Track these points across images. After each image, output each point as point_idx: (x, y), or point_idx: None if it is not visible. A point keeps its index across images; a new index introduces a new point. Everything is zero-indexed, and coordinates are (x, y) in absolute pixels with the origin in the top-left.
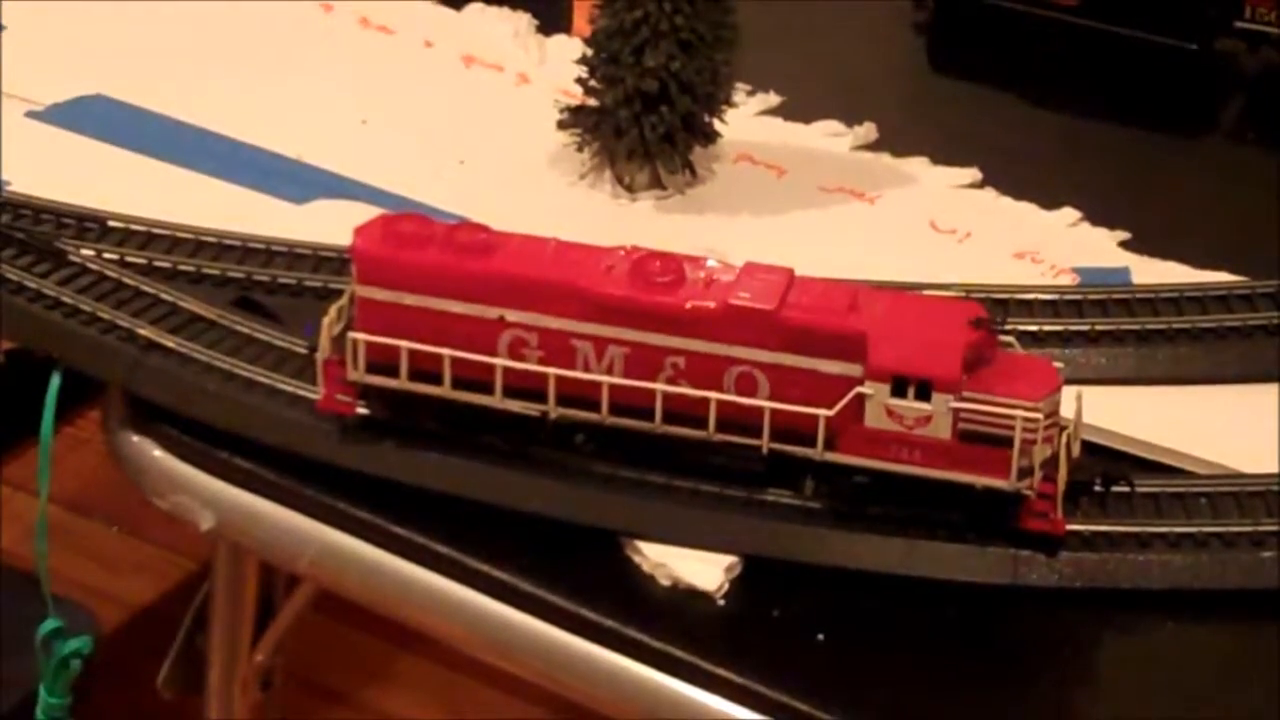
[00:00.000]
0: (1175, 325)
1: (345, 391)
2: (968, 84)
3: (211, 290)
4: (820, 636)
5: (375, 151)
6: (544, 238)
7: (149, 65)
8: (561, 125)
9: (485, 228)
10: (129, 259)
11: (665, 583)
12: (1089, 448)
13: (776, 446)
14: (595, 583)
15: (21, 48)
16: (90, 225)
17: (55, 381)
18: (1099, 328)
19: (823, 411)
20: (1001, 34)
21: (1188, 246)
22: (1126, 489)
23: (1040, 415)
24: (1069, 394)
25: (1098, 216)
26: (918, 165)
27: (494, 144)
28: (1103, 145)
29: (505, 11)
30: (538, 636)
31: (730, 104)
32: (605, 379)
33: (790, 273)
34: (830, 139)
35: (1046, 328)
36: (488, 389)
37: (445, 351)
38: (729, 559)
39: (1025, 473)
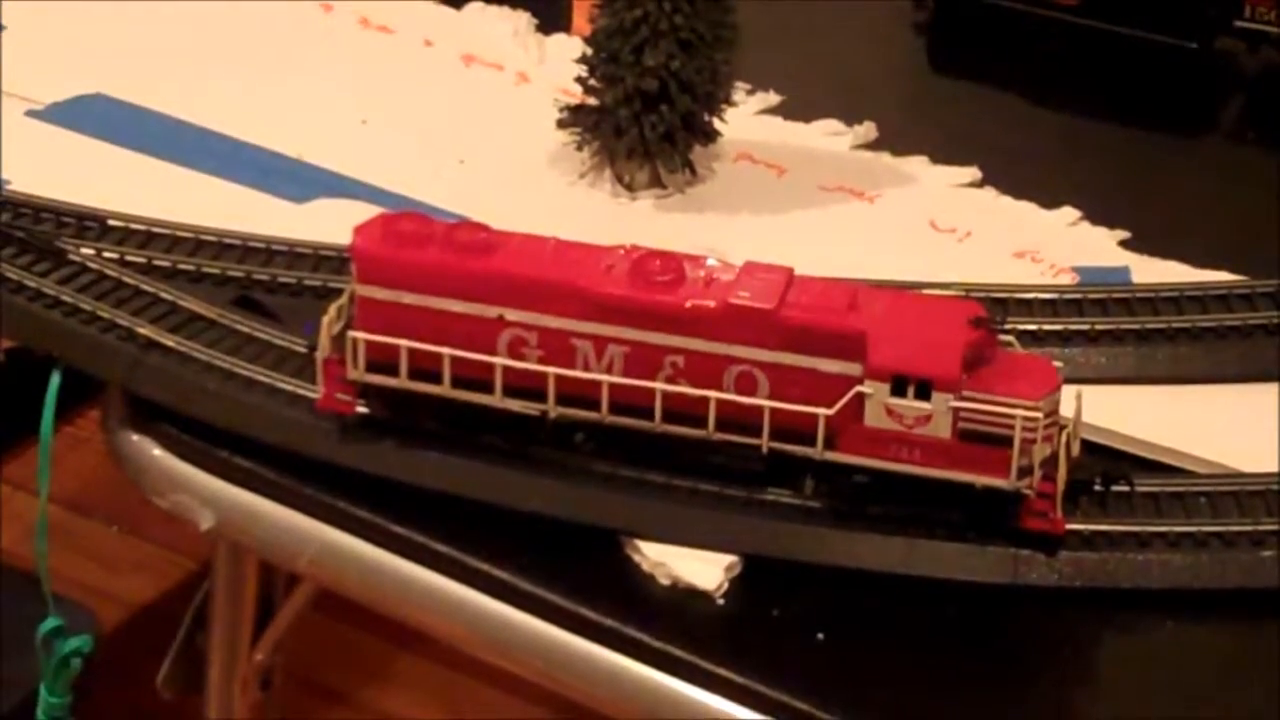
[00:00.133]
0: (1175, 325)
1: (345, 390)
2: (968, 84)
3: (211, 289)
4: (820, 636)
5: (375, 151)
6: (544, 237)
7: (149, 65)
8: (561, 124)
9: (485, 227)
10: (129, 258)
11: (665, 582)
12: (1089, 447)
13: (776, 446)
14: (595, 582)
15: (21, 47)
16: (90, 224)
17: (55, 381)
18: (1099, 327)
19: (822, 411)
20: (1001, 34)
21: (1188, 246)
22: (1126, 488)
23: (1040, 414)
24: (1069, 393)
25: (1098, 216)
26: (917, 165)
27: (494, 143)
28: (1103, 145)
29: (505, 11)
30: (537, 636)
31: (730, 103)
32: (605, 378)
33: (790, 272)
34: (830, 138)
35: (1046, 327)
36: (487, 388)
37: (445, 350)
38: (729, 558)
39: (1025, 472)
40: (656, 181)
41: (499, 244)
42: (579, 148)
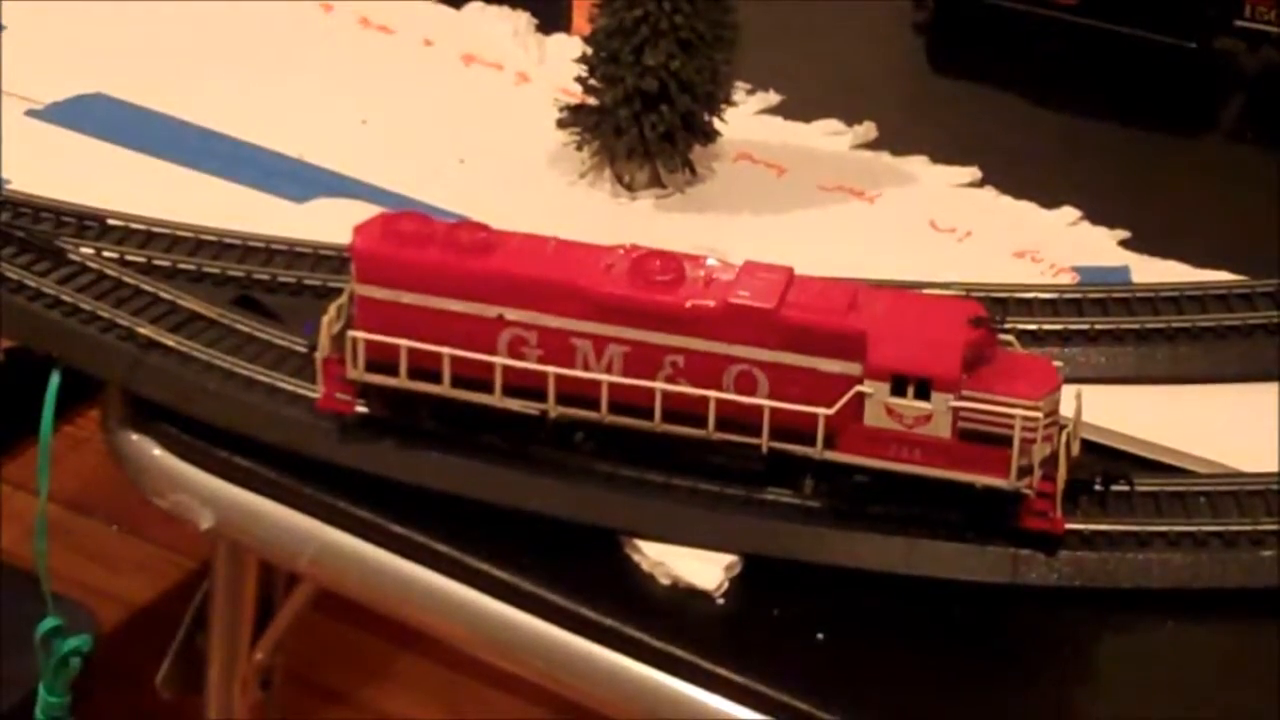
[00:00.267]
0: (1175, 324)
1: (345, 390)
2: (968, 84)
3: (211, 289)
4: (820, 636)
5: (375, 151)
6: (544, 236)
7: (149, 65)
8: (561, 124)
9: (485, 226)
10: (129, 257)
11: (665, 582)
12: (1089, 447)
13: (776, 445)
14: (595, 582)
15: (21, 47)
16: (90, 224)
17: (55, 380)
18: (1099, 327)
19: (822, 410)
20: (1001, 34)
21: (1188, 246)
22: (1126, 488)
23: (1040, 414)
24: (1069, 393)
25: (1098, 216)
26: (917, 164)
27: (494, 143)
28: (1103, 145)
29: (505, 10)
30: (538, 636)
31: (730, 103)
32: (605, 378)
33: (790, 271)
34: (830, 138)
35: (1046, 327)
36: (487, 388)
37: (445, 350)
38: (729, 558)
39: (1025, 472)
40: (656, 181)
41: (499, 244)
42: (579, 148)
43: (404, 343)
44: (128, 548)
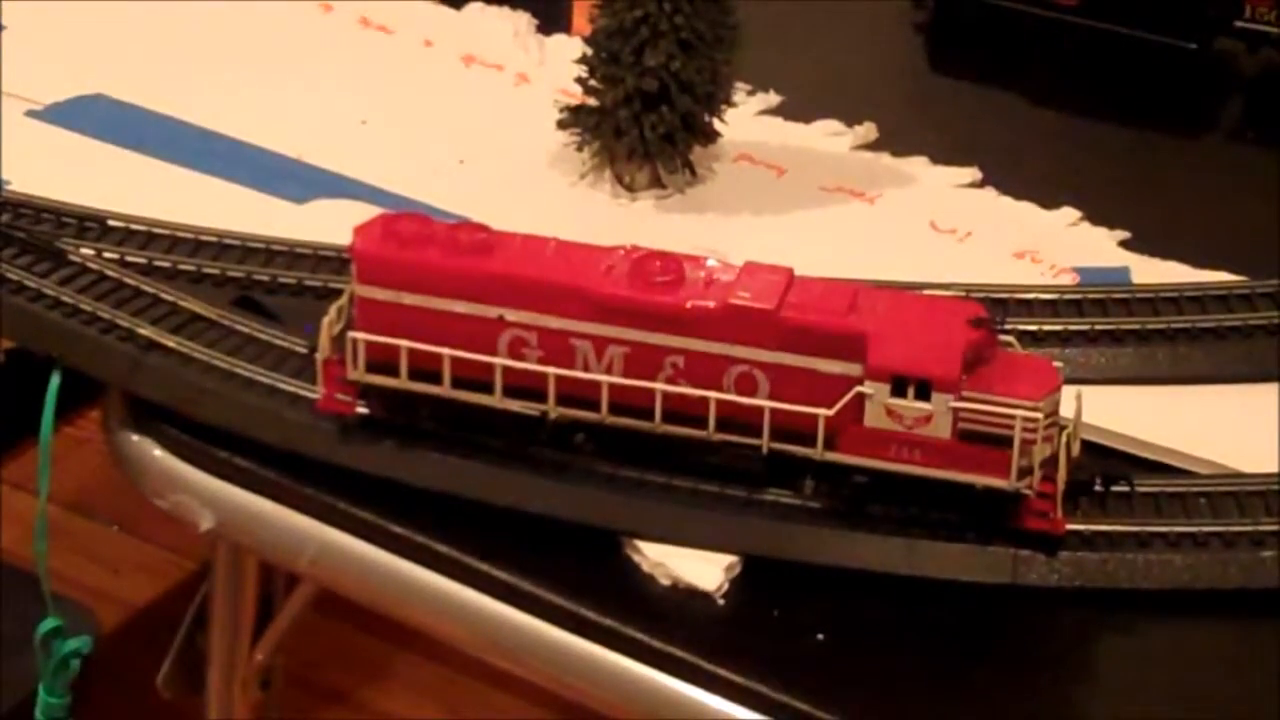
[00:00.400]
0: (1175, 325)
1: (345, 391)
2: (968, 84)
3: (211, 290)
4: (820, 636)
5: (375, 151)
6: (544, 237)
7: (149, 65)
8: (561, 125)
9: (485, 227)
10: (129, 258)
11: (665, 582)
12: (1089, 447)
13: (776, 446)
14: (595, 582)
15: (21, 48)
16: (90, 225)
17: (55, 381)
18: (1099, 327)
19: (822, 411)
20: (1001, 34)
21: (1188, 246)
22: (1126, 489)
23: (1040, 415)
24: (1069, 394)
25: (1098, 216)
26: (918, 165)
27: (494, 144)
28: (1103, 145)
29: (505, 11)
30: (538, 636)
31: (730, 104)
32: (605, 379)
33: (790, 272)
34: (830, 139)
35: (1046, 327)
36: (487, 388)
37: (445, 351)
38: (729, 558)
39: (1025, 472)
40: (656, 182)
41: (499, 245)
42: (579, 148)
43: (404, 344)
44: (128, 548)
